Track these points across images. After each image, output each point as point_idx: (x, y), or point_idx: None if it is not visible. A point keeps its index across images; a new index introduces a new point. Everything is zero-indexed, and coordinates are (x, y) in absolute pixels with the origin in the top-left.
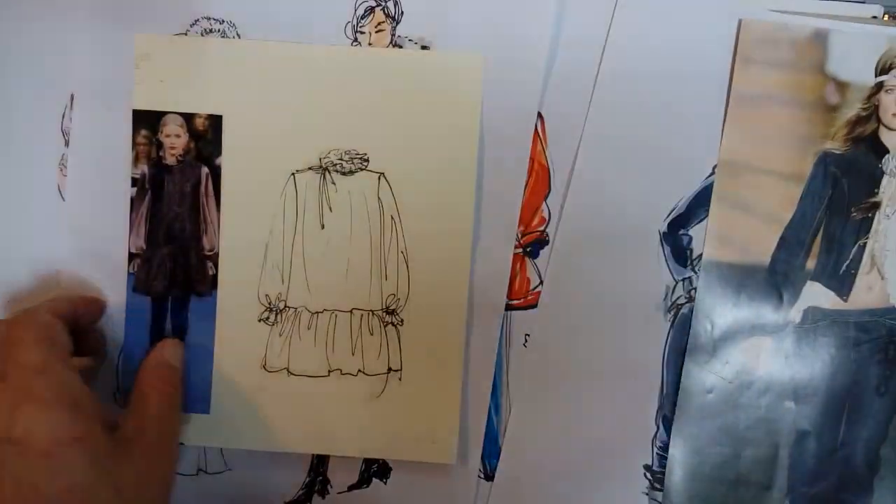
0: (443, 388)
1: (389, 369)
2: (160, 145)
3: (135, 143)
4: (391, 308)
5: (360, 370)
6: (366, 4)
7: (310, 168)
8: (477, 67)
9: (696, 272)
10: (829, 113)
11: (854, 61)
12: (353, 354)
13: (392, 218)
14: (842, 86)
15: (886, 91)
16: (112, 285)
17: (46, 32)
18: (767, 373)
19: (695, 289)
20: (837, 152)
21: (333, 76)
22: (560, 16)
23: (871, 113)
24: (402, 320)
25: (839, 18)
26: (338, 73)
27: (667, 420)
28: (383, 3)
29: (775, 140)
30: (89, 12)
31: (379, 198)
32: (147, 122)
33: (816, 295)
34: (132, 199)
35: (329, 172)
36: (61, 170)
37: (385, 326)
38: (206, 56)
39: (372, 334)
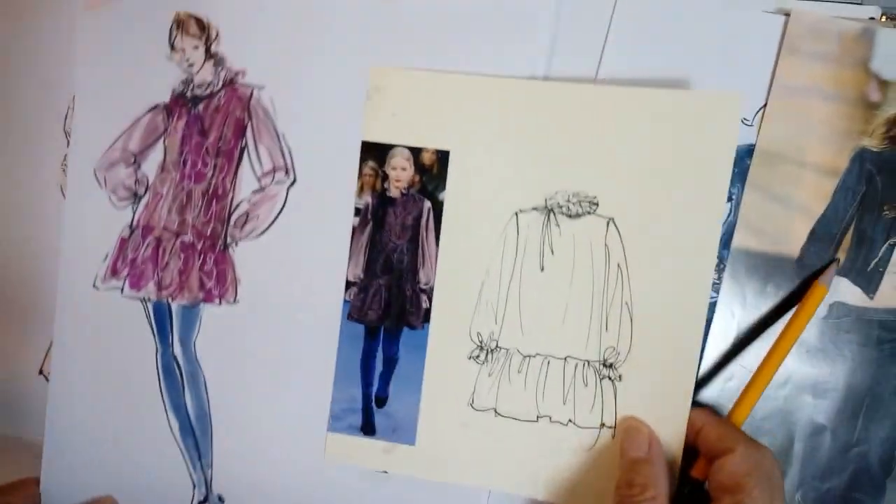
0: None
1: (602, 424)
2: (385, 177)
3: (361, 174)
4: (609, 361)
5: (570, 420)
6: None
7: (534, 208)
8: (734, 105)
9: None
10: (870, 110)
11: None
12: (564, 404)
13: (619, 266)
14: (884, 84)
15: None
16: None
17: (50, 34)
18: (788, 364)
19: None
20: (874, 150)
21: (565, 114)
22: None
23: None
24: (619, 375)
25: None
26: (570, 111)
27: None
28: None
29: (813, 133)
30: None
31: (606, 244)
32: (375, 153)
33: (843, 290)
34: (353, 229)
35: (554, 214)
36: (63, 169)
37: (601, 380)
38: (439, 90)
39: (586, 386)
